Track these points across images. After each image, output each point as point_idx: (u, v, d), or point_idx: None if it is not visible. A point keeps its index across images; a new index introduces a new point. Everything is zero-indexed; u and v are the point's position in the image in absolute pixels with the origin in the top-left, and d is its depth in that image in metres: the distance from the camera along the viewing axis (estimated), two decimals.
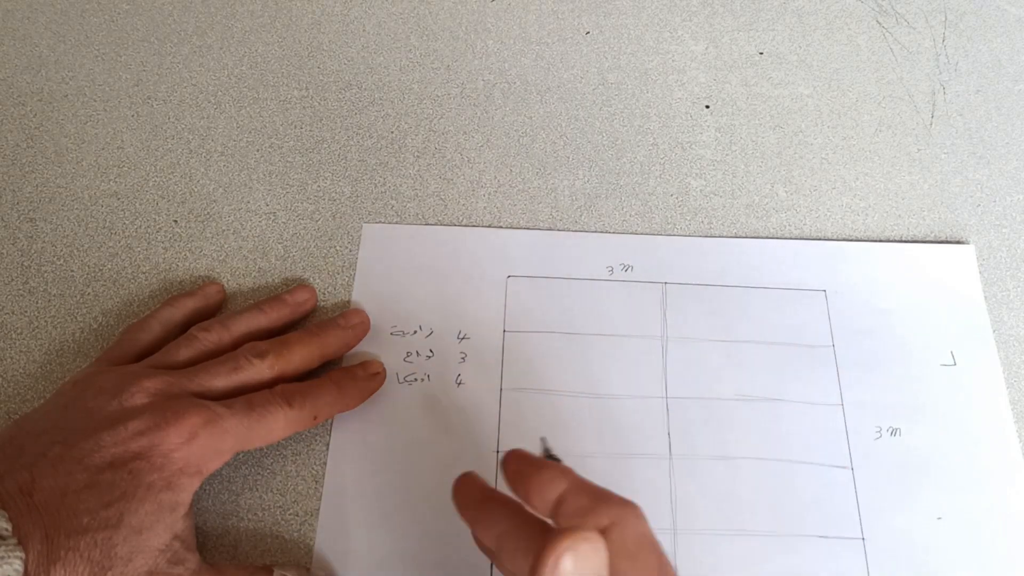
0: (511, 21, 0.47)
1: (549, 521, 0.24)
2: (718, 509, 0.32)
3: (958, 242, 0.39)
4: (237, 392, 0.30)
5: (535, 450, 0.27)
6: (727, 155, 0.42)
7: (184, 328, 0.34)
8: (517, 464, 0.25)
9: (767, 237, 0.39)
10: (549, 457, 0.27)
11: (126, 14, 0.46)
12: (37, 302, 0.37)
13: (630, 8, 0.47)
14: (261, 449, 0.33)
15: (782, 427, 0.34)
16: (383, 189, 0.40)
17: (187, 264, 0.38)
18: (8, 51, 0.45)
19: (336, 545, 0.31)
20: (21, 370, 0.35)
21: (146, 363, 0.31)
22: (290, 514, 0.32)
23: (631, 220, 0.40)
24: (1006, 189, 0.41)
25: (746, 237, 0.39)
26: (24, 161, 0.41)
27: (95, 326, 0.36)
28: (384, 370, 0.35)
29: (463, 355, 0.36)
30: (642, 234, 0.39)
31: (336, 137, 0.42)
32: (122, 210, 0.39)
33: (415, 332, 0.36)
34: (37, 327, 0.36)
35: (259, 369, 0.31)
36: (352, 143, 0.42)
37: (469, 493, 0.26)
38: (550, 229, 0.39)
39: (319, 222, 0.39)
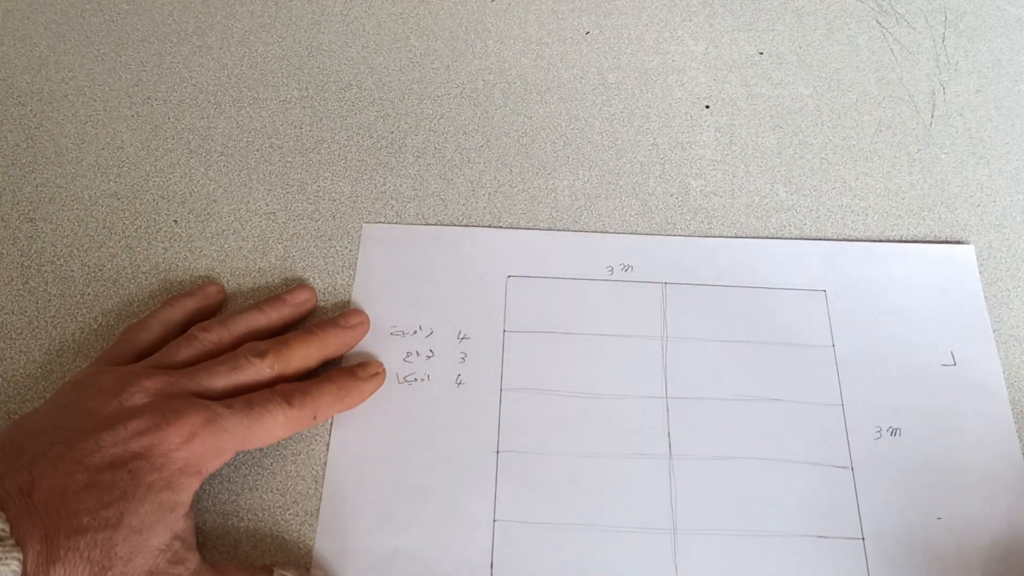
0: (511, 21, 0.47)
1: None
2: (718, 509, 0.32)
3: (958, 242, 0.39)
4: (237, 392, 0.30)
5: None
6: (727, 155, 0.42)
7: (184, 328, 0.34)
8: None
9: (767, 237, 0.39)
10: None
11: (126, 14, 0.46)
12: (37, 302, 0.37)
13: (630, 8, 0.47)
14: (261, 449, 0.33)
15: (782, 427, 0.34)
16: (383, 189, 0.40)
17: (187, 264, 0.38)
18: (8, 51, 0.45)
19: (336, 545, 0.31)
20: (21, 370, 0.35)
21: (146, 363, 0.31)
22: (290, 514, 0.32)
23: (631, 220, 0.40)
24: (1006, 189, 0.41)
25: (746, 237, 0.39)
26: (24, 161, 0.41)
27: (95, 326, 0.36)
28: (384, 370, 0.35)
29: (463, 355, 0.36)
30: (642, 234, 0.39)
31: (336, 137, 0.42)
32: (122, 210, 0.39)
33: (415, 332, 0.36)
34: (37, 327, 0.36)
35: (259, 369, 0.31)
36: (352, 143, 0.42)
37: None
38: (550, 229, 0.39)
39: (319, 222, 0.39)
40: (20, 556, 0.23)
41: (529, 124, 0.43)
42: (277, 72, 0.44)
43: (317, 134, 0.42)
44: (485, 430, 0.34)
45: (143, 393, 0.28)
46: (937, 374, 0.36)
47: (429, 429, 0.34)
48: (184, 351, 0.32)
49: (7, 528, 0.24)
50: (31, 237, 0.39)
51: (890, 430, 0.34)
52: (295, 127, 0.42)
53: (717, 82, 0.44)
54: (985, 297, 0.38)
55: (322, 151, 0.42)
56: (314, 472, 0.33)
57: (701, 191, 0.41)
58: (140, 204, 0.40)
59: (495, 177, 0.41)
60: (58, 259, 0.38)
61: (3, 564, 0.23)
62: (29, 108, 0.43)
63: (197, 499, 0.32)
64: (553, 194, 0.40)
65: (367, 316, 0.36)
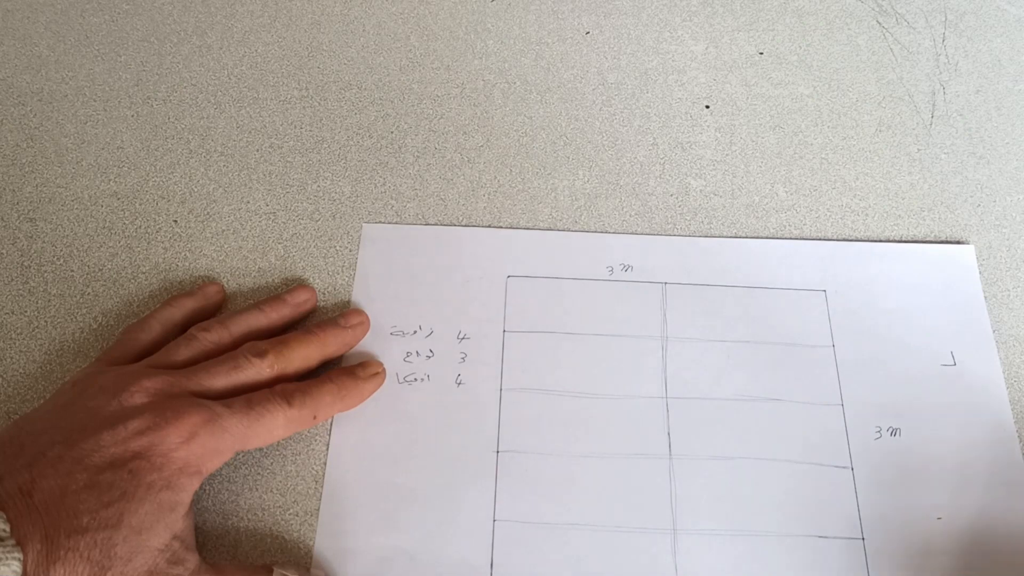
0: (511, 21, 0.47)
1: None
2: (718, 509, 0.32)
3: (958, 242, 0.39)
4: (237, 392, 0.30)
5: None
6: (727, 155, 0.42)
7: (184, 328, 0.34)
8: None
9: (767, 237, 0.39)
10: None
11: (126, 14, 0.46)
12: (37, 302, 0.37)
13: (630, 8, 0.47)
14: (261, 449, 0.33)
15: (782, 427, 0.34)
16: (383, 189, 0.40)
17: (187, 264, 0.38)
18: (8, 51, 0.45)
19: (336, 545, 0.31)
20: (21, 370, 0.35)
21: (146, 363, 0.31)
22: (290, 514, 0.32)
23: (631, 220, 0.40)
24: (1006, 189, 0.41)
25: (746, 237, 0.39)
26: (24, 161, 0.41)
27: (95, 326, 0.36)
28: (384, 370, 0.35)
29: (463, 355, 0.36)
30: (642, 234, 0.39)
31: (336, 137, 0.42)
32: (122, 210, 0.39)
33: (415, 332, 0.36)
34: (37, 327, 0.36)
35: (259, 369, 0.31)
36: (352, 143, 0.42)
37: None
38: (550, 229, 0.39)
39: (319, 222, 0.39)
40: (20, 556, 0.23)
41: (529, 124, 0.43)
42: (277, 72, 0.44)
43: (317, 134, 0.42)
44: (485, 430, 0.34)
45: (143, 393, 0.28)
46: (937, 374, 0.36)
47: (429, 429, 0.34)
48: (184, 351, 0.32)
49: (7, 528, 0.24)
50: (31, 237, 0.39)
51: (890, 430, 0.34)
52: (295, 127, 0.42)
53: (717, 82, 0.44)
54: (985, 297, 0.38)
55: (322, 151, 0.42)
56: (314, 472, 0.33)
57: (701, 191, 0.41)
58: (140, 204, 0.40)
59: (495, 177, 0.41)
60: (58, 259, 0.38)
61: (4, 564, 0.23)
62: (29, 108, 0.43)
63: (197, 499, 0.32)
64: (553, 194, 0.40)
65: (367, 316, 0.36)
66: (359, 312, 0.36)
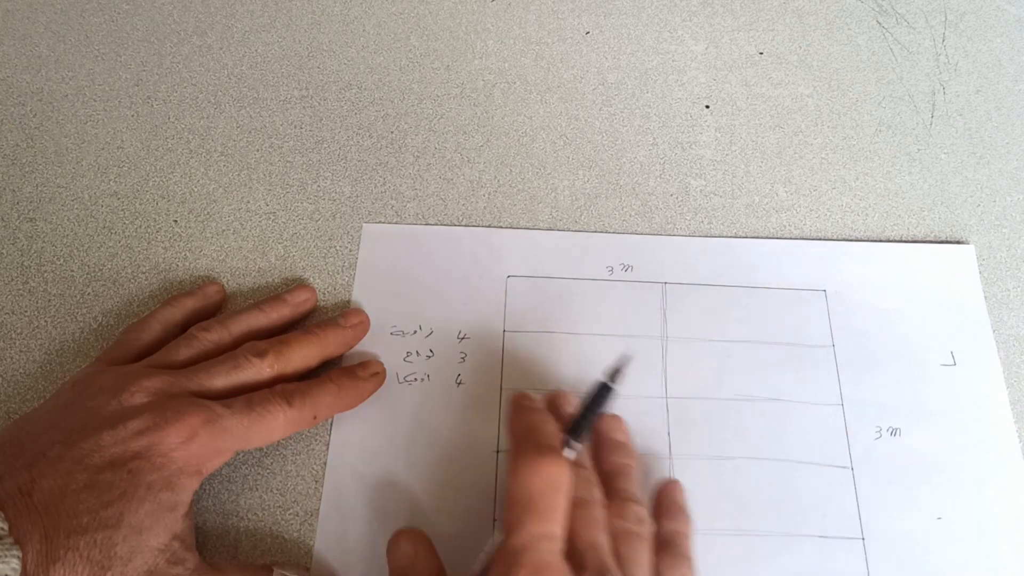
0: (511, 21, 0.47)
1: None
2: (718, 509, 0.32)
3: (958, 242, 0.39)
4: (237, 391, 0.30)
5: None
6: (727, 155, 0.42)
7: (184, 328, 0.34)
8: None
9: (767, 237, 0.39)
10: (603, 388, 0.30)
11: (126, 14, 0.46)
12: (37, 302, 0.37)
13: (630, 8, 0.47)
14: (261, 449, 0.33)
15: (782, 427, 0.34)
16: (383, 189, 0.40)
17: (187, 264, 0.38)
18: (8, 51, 0.45)
19: (336, 545, 0.31)
20: (21, 370, 0.35)
21: (146, 363, 0.31)
22: (290, 514, 0.32)
23: (631, 220, 0.40)
24: (1006, 189, 0.41)
25: (746, 237, 0.39)
26: (24, 161, 0.41)
27: (95, 326, 0.36)
28: (384, 370, 0.35)
29: (463, 355, 0.36)
30: (642, 234, 0.39)
31: (336, 137, 0.42)
32: (122, 210, 0.39)
33: (415, 332, 0.36)
34: (37, 327, 0.36)
35: (259, 368, 0.31)
36: (352, 143, 0.42)
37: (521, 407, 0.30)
38: (550, 229, 0.39)
39: (319, 222, 0.39)
40: (19, 554, 0.24)
41: (529, 124, 0.43)
42: (277, 72, 0.44)
43: (317, 134, 0.42)
44: (485, 430, 0.34)
45: (143, 393, 0.28)
46: (937, 374, 0.36)
47: (429, 429, 0.34)
48: (184, 351, 0.32)
49: (6, 527, 0.24)
50: (31, 237, 0.39)
51: (890, 430, 0.34)
52: (295, 127, 0.42)
53: (717, 82, 0.44)
54: (985, 297, 0.38)
55: (322, 151, 0.42)
56: (314, 472, 0.33)
57: (701, 191, 0.41)
58: (140, 204, 0.40)
59: (495, 177, 0.41)
60: (58, 259, 0.38)
61: (2, 563, 0.23)
62: (29, 108, 0.43)
63: (197, 499, 0.32)
64: (553, 194, 0.40)
65: (367, 316, 0.36)
66: (359, 312, 0.36)
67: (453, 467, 0.33)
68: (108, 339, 0.36)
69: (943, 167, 0.42)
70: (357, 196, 0.40)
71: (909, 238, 0.39)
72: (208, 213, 0.39)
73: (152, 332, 0.34)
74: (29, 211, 0.39)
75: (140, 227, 0.39)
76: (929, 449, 0.34)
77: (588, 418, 0.29)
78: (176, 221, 0.39)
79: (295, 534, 0.32)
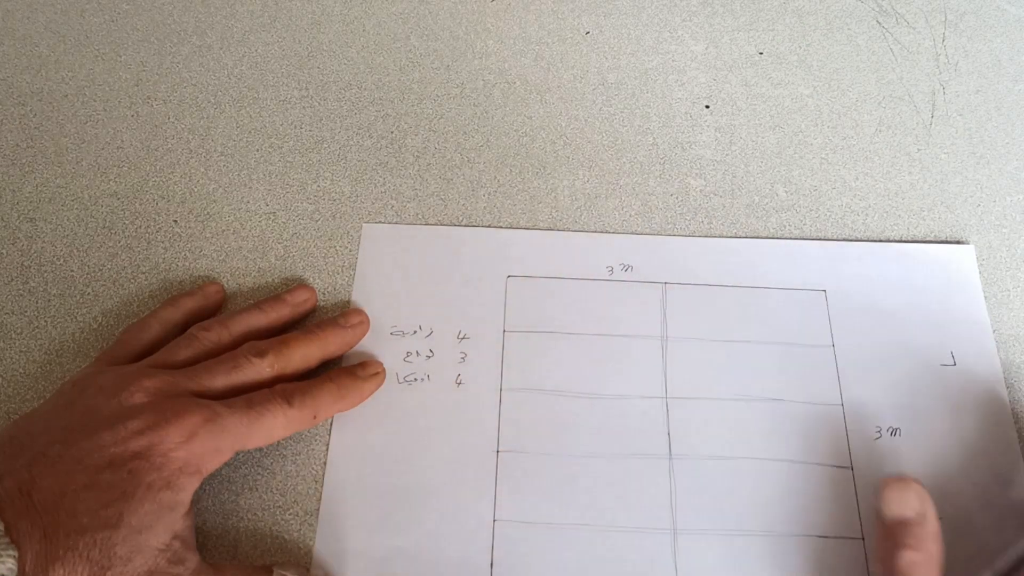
0: (511, 21, 0.47)
1: None
2: (718, 509, 0.32)
3: (958, 242, 0.39)
4: (237, 391, 0.30)
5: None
6: (727, 155, 0.42)
7: (184, 328, 0.34)
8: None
9: (767, 237, 0.39)
10: None
11: (126, 14, 0.46)
12: (37, 302, 0.37)
13: (630, 8, 0.47)
14: (261, 449, 0.33)
15: (782, 427, 0.34)
16: (383, 189, 0.40)
17: (187, 264, 0.38)
18: (8, 51, 0.45)
19: (336, 545, 0.31)
20: (21, 370, 0.35)
21: (146, 363, 0.31)
22: (290, 514, 0.32)
23: (631, 220, 0.40)
24: (1006, 189, 0.41)
25: (746, 237, 0.39)
26: (24, 161, 0.41)
27: (95, 326, 0.36)
28: (384, 370, 0.35)
29: (463, 355, 0.36)
30: (642, 234, 0.39)
31: (336, 137, 0.42)
32: (122, 210, 0.39)
33: (415, 332, 0.36)
34: (37, 327, 0.36)
35: (259, 368, 0.31)
36: (352, 143, 0.42)
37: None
38: (550, 229, 0.39)
39: (319, 222, 0.39)
40: (15, 553, 0.23)
41: (529, 124, 0.43)
42: (277, 72, 0.44)
43: (317, 134, 0.42)
44: (485, 430, 0.34)
45: (143, 392, 0.28)
46: (937, 374, 0.36)
47: (429, 429, 0.34)
48: (184, 351, 0.32)
49: (2, 526, 0.24)
50: (31, 237, 0.39)
51: (890, 430, 0.34)
52: (295, 127, 0.42)
53: (717, 82, 0.44)
54: (985, 297, 0.38)
55: (322, 151, 0.42)
56: (314, 472, 0.33)
57: (701, 191, 0.41)
58: (140, 204, 0.40)
59: (495, 177, 0.41)
60: (58, 259, 0.38)
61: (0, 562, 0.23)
62: (29, 108, 0.43)
63: (197, 499, 0.32)
64: (553, 194, 0.40)
65: (367, 316, 0.36)
66: (359, 312, 0.36)
67: (453, 467, 0.33)
68: (108, 339, 0.36)
69: (943, 167, 0.42)
70: (357, 196, 0.40)
71: (909, 238, 0.39)
72: (208, 213, 0.39)
73: (152, 332, 0.34)
74: (29, 211, 0.39)
75: (140, 227, 0.39)
76: (929, 449, 0.34)
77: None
78: (176, 221, 0.39)
79: (295, 534, 0.32)
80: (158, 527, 0.26)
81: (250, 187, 0.40)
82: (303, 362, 0.33)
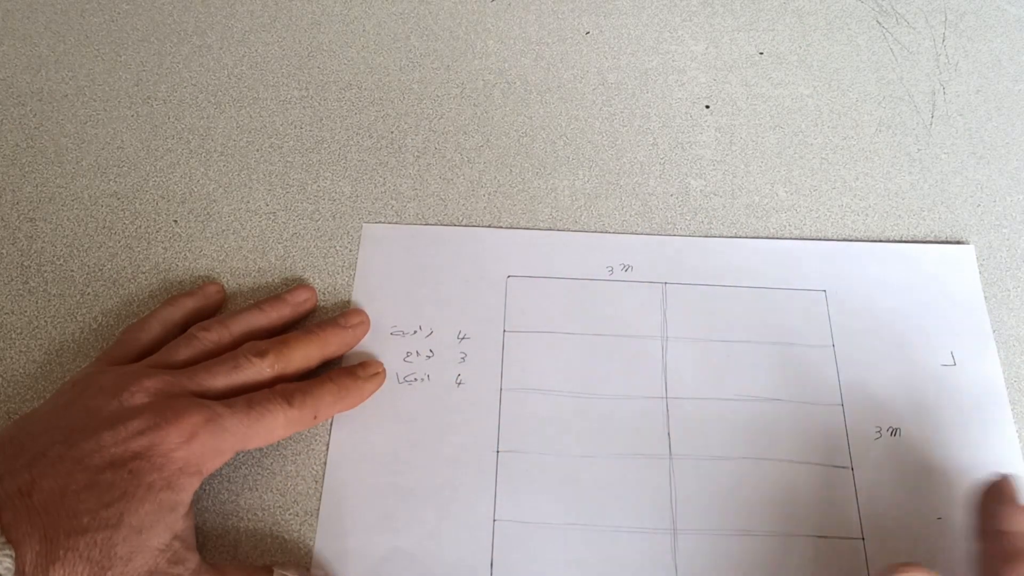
0: (511, 21, 0.47)
1: None
2: (718, 509, 0.32)
3: (958, 242, 0.39)
4: (237, 391, 0.30)
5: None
6: (727, 155, 0.42)
7: (184, 328, 0.34)
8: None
9: (767, 237, 0.39)
10: None
11: (126, 14, 0.46)
12: (37, 302, 0.37)
13: (630, 8, 0.47)
14: (261, 449, 0.33)
15: (782, 427, 0.34)
16: (383, 189, 0.40)
17: (187, 264, 0.38)
18: (8, 51, 0.45)
19: (336, 545, 0.31)
20: (21, 370, 0.35)
21: (146, 363, 0.31)
22: (290, 514, 0.32)
23: (631, 220, 0.40)
24: (1006, 189, 0.41)
25: (746, 237, 0.39)
26: (24, 161, 0.41)
27: (95, 326, 0.36)
28: (384, 370, 0.35)
29: (463, 355, 0.36)
30: (642, 234, 0.39)
31: (336, 137, 0.42)
32: (122, 210, 0.39)
33: (415, 332, 0.36)
34: (37, 327, 0.36)
35: (259, 368, 0.31)
36: (352, 143, 0.42)
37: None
38: (550, 229, 0.39)
39: (319, 222, 0.39)
40: (12, 554, 0.23)
41: (529, 124, 0.43)
42: (277, 72, 0.44)
43: (317, 134, 0.42)
44: (485, 430, 0.34)
45: (143, 393, 0.28)
46: (937, 374, 0.36)
47: (429, 429, 0.34)
48: (184, 351, 0.32)
49: None
50: (31, 237, 0.39)
51: (890, 430, 0.34)
52: (295, 127, 0.42)
53: (717, 82, 0.44)
54: (985, 297, 0.38)
55: (322, 151, 0.42)
56: (314, 472, 0.33)
57: (701, 191, 0.41)
58: (140, 204, 0.40)
59: (495, 177, 0.41)
60: (58, 259, 0.38)
61: None
62: (29, 108, 0.43)
63: (197, 499, 0.32)
64: (553, 194, 0.40)
65: (367, 316, 0.36)
66: (359, 312, 0.36)
67: (453, 467, 0.33)
68: (108, 339, 0.36)
69: (943, 167, 0.42)
70: (357, 196, 0.40)
71: (909, 238, 0.39)
72: (208, 213, 0.39)
73: (152, 332, 0.34)
74: (29, 211, 0.39)
75: (140, 227, 0.39)
76: (929, 449, 0.34)
77: None
78: (176, 221, 0.39)
79: (295, 534, 0.32)
80: (158, 527, 0.26)
81: (250, 187, 0.40)
82: (303, 362, 0.33)
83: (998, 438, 0.34)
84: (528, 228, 0.39)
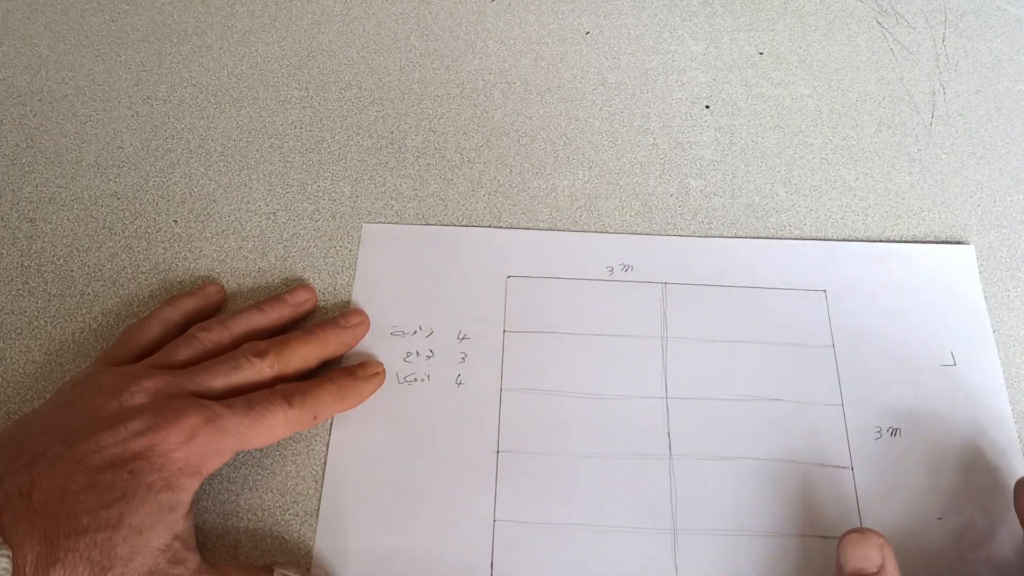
0: (511, 21, 0.47)
1: None
2: (718, 509, 0.32)
3: (958, 242, 0.39)
4: (237, 392, 0.30)
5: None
6: (727, 155, 0.42)
7: (184, 328, 0.34)
8: None
9: (767, 237, 0.39)
10: None
11: (126, 14, 0.46)
12: (37, 302, 0.37)
13: (630, 8, 0.47)
14: (261, 449, 0.33)
15: (782, 427, 0.34)
16: (383, 189, 0.40)
17: (187, 264, 0.38)
18: (8, 51, 0.45)
19: (336, 545, 0.31)
20: (21, 370, 0.35)
21: (146, 363, 0.31)
22: (290, 514, 0.32)
23: (631, 220, 0.40)
24: (1006, 189, 0.41)
25: (746, 237, 0.39)
26: (24, 161, 0.41)
27: (95, 326, 0.36)
28: (384, 370, 0.35)
29: (463, 355, 0.36)
30: (642, 234, 0.39)
31: (336, 137, 0.42)
32: (122, 210, 0.39)
33: (415, 332, 0.36)
34: (37, 327, 0.36)
35: (259, 369, 0.31)
36: (352, 143, 0.42)
37: None
38: (550, 229, 0.39)
39: (319, 222, 0.39)
40: (9, 554, 0.23)
41: (529, 124, 0.43)
42: (277, 72, 0.44)
43: (317, 134, 0.42)
44: (485, 430, 0.34)
45: (143, 393, 0.28)
46: (937, 374, 0.36)
47: (429, 429, 0.34)
48: (184, 351, 0.32)
49: None
50: (31, 237, 0.39)
51: (890, 430, 0.34)
52: (295, 127, 0.42)
53: (717, 82, 0.44)
54: (985, 297, 0.38)
55: (322, 151, 0.42)
56: (314, 472, 0.33)
57: (701, 191, 0.41)
58: (140, 204, 0.40)
59: (495, 177, 0.41)
60: (58, 259, 0.38)
61: None
62: (29, 108, 0.43)
63: (197, 499, 0.32)
64: (553, 194, 0.40)
65: (367, 316, 0.36)
66: (359, 312, 0.36)
67: (453, 467, 0.33)
68: (108, 339, 0.36)
69: (943, 167, 0.42)
70: (357, 196, 0.40)
71: (909, 238, 0.39)
72: (208, 213, 0.39)
73: (152, 332, 0.34)
74: (29, 211, 0.39)
75: (140, 227, 0.39)
76: (929, 449, 0.34)
77: None
78: (176, 221, 0.39)
79: (295, 534, 0.32)
80: (158, 527, 0.26)
81: (250, 187, 0.40)
82: (303, 362, 0.33)
83: (998, 438, 0.34)
84: (528, 228, 0.39)
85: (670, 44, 0.46)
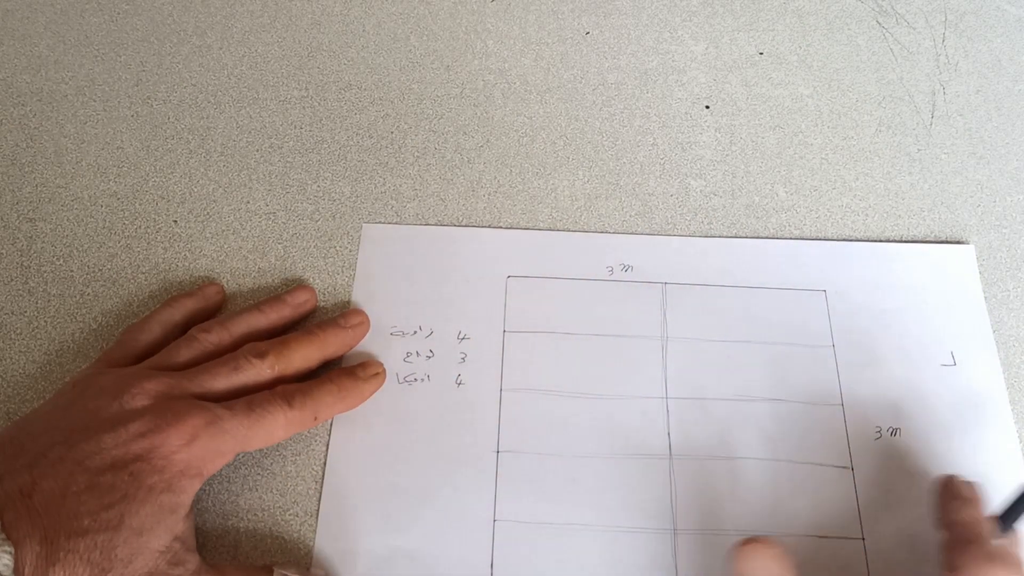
0: (511, 21, 0.47)
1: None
2: (718, 509, 0.33)
3: (958, 242, 0.39)
4: (237, 393, 0.30)
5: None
6: (727, 155, 0.42)
7: (184, 329, 0.34)
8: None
9: (767, 237, 0.39)
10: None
11: (126, 14, 0.46)
12: (37, 302, 0.37)
13: (630, 8, 0.47)
14: (261, 449, 0.33)
15: (782, 427, 0.34)
16: (383, 189, 0.40)
17: (187, 264, 0.38)
18: (8, 51, 0.45)
19: (336, 545, 0.31)
20: (21, 370, 0.35)
21: (146, 364, 0.31)
22: (290, 514, 0.32)
23: (631, 220, 0.40)
24: (1006, 189, 0.41)
25: (746, 237, 0.39)
26: (24, 161, 0.41)
27: (95, 326, 0.36)
28: (384, 370, 0.35)
29: (463, 355, 0.36)
30: (642, 234, 0.39)
31: (336, 137, 0.42)
32: (122, 210, 0.39)
33: (415, 332, 0.36)
34: (37, 327, 0.36)
35: (259, 370, 0.31)
36: (352, 143, 0.42)
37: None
38: (550, 229, 0.39)
39: (319, 222, 0.39)
40: (12, 550, 0.23)
41: (529, 124, 0.43)
42: (277, 72, 0.44)
43: (317, 134, 0.42)
44: (485, 430, 0.34)
45: (144, 395, 0.28)
46: (937, 374, 0.36)
47: (429, 429, 0.34)
48: (184, 352, 0.32)
49: None
50: (31, 237, 0.39)
51: (890, 430, 0.34)
52: (295, 127, 0.42)
53: (717, 82, 0.44)
54: (985, 297, 0.38)
55: (322, 151, 0.42)
56: (314, 472, 0.33)
57: (701, 191, 0.41)
58: (140, 204, 0.40)
59: (495, 177, 0.41)
60: (58, 259, 0.38)
61: None
62: (29, 108, 0.43)
63: (197, 500, 0.32)
64: (553, 194, 0.40)
65: (367, 316, 0.36)
66: (359, 312, 0.36)
67: (453, 467, 0.33)
68: (108, 339, 0.36)
69: (943, 167, 0.42)
70: (357, 196, 0.40)
71: (909, 238, 0.39)
72: (208, 213, 0.39)
73: (152, 333, 0.34)
74: (29, 211, 0.39)
75: (140, 227, 0.39)
76: (929, 449, 0.34)
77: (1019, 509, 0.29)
78: (176, 221, 0.39)
79: (295, 534, 0.32)
80: (159, 529, 0.26)
81: (250, 187, 0.40)
82: (303, 363, 0.33)
83: (998, 438, 0.34)
84: (528, 228, 0.39)
85: (670, 44, 0.46)
